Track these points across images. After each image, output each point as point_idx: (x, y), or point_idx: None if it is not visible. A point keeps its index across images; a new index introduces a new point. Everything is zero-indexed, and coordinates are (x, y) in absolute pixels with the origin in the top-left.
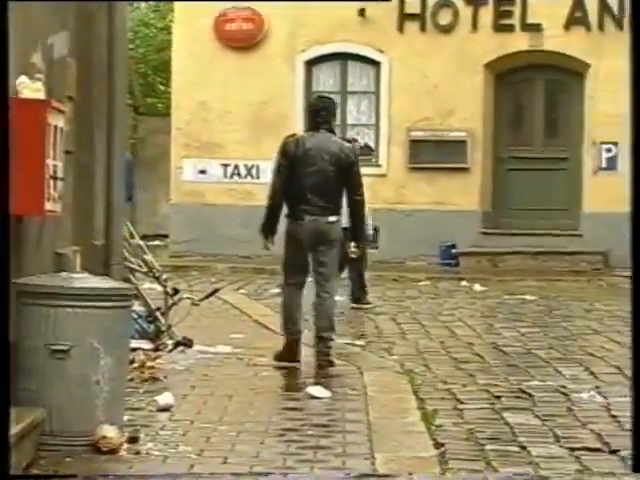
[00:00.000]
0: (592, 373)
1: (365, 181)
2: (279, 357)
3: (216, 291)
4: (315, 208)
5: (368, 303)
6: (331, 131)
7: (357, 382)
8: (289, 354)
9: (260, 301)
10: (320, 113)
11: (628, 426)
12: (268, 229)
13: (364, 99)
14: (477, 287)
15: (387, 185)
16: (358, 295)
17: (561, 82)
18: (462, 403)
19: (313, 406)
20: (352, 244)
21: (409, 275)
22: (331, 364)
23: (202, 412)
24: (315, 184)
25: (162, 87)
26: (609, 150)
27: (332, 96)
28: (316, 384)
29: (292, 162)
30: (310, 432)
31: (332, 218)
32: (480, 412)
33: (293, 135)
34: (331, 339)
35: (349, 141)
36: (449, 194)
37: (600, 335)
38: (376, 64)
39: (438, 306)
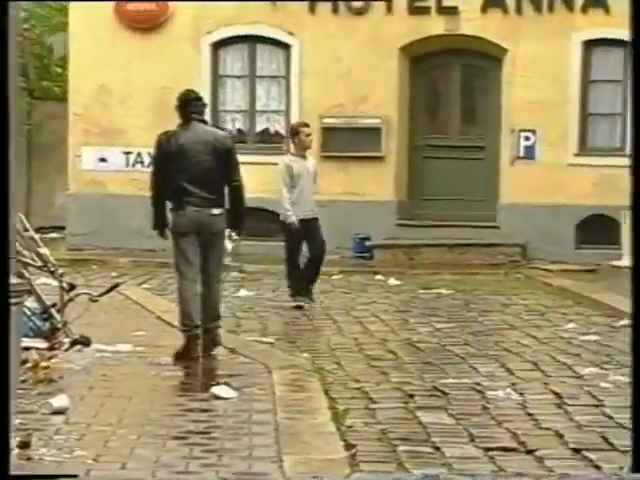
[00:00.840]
0: (508, 370)
1: (277, 170)
2: (179, 356)
3: (116, 286)
4: (198, 199)
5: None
6: (203, 121)
7: (265, 381)
8: (189, 351)
9: (164, 296)
10: (192, 103)
11: (545, 425)
12: (160, 224)
13: (274, 84)
14: (392, 281)
15: None
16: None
17: (478, 67)
18: (374, 402)
19: (218, 407)
20: (233, 232)
21: (322, 268)
22: (218, 344)
23: (100, 414)
24: (195, 176)
25: (59, 70)
26: (527, 138)
27: (240, 80)
28: (221, 384)
29: (168, 158)
30: (215, 434)
31: (216, 211)
32: (393, 411)
33: (166, 132)
34: (217, 327)
35: (223, 129)
36: (363, 184)
37: (517, 330)
38: (286, 47)
39: (351, 301)
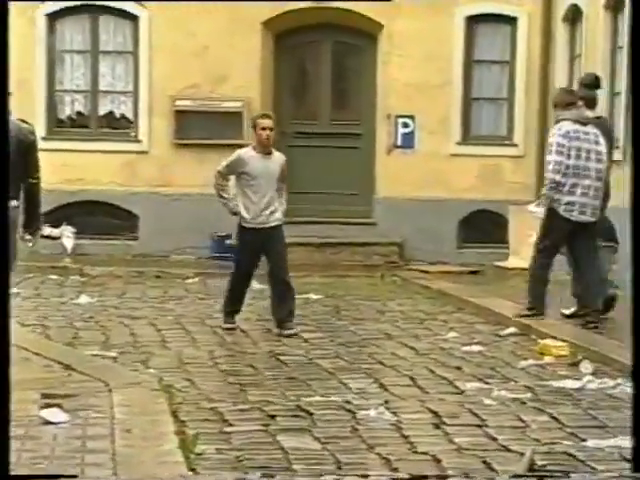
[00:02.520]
0: (382, 385)
1: (123, 159)
2: None
3: None
4: None
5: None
6: None
7: (103, 402)
8: None
9: None
10: None
11: (421, 448)
12: None
13: (120, 61)
14: (255, 285)
15: (149, 164)
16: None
17: (351, 45)
18: (230, 425)
19: (46, 433)
20: (26, 234)
21: (175, 271)
22: None
23: None
24: None
25: None
26: (405, 125)
27: (81, 56)
28: (52, 406)
29: None
30: (41, 466)
31: (13, 203)
32: (250, 435)
33: None
34: None
35: (25, 122)
36: None
37: (393, 340)
38: (134, 19)
39: (207, 308)
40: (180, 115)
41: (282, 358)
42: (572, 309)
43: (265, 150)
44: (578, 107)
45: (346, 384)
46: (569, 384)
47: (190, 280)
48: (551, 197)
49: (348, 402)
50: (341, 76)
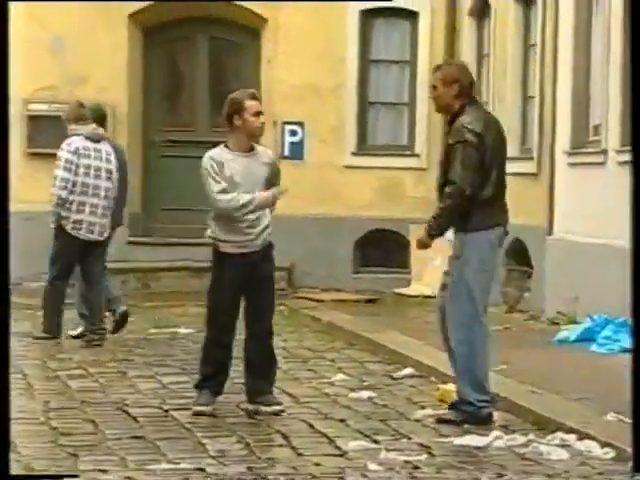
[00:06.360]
0: (247, 446)
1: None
2: None
3: None
4: None
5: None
6: None
7: None
8: None
9: None
10: None
11: None
12: None
13: None
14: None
15: None
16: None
17: (231, 42)
18: None
19: None
20: None
21: (25, 301)
22: None
23: None
24: None
25: None
26: (293, 133)
27: None
28: None
29: None
30: None
31: None
32: None
33: None
34: None
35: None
36: None
37: None
38: None
39: (55, 346)
40: (34, 121)
41: (132, 411)
42: (79, 329)
43: (249, 145)
44: (88, 123)
45: (204, 445)
46: (473, 441)
47: (38, 313)
48: (57, 214)
49: (201, 470)
50: (220, 77)
